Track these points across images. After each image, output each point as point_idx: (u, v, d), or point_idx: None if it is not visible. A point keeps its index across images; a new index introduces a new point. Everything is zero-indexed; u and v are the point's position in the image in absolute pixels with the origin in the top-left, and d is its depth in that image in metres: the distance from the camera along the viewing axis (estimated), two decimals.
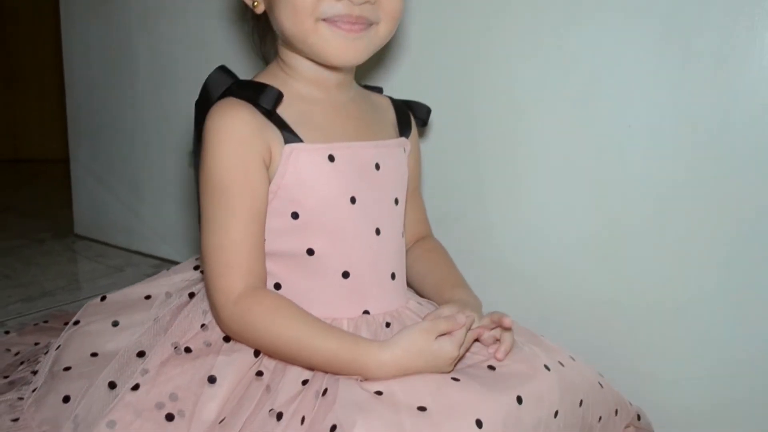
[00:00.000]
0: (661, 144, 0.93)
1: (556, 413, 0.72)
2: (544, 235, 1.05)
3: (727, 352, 0.93)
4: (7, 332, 1.08)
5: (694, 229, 0.93)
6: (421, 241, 0.93)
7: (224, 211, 0.71)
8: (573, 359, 0.81)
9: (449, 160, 1.12)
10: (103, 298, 0.88)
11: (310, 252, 0.74)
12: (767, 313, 0.89)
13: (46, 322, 1.11)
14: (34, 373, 0.86)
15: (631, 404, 0.92)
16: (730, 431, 0.94)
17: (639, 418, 0.92)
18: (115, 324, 0.83)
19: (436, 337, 0.68)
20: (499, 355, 0.72)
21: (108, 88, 1.63)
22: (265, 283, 0.74)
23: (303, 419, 0.64)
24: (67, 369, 0.79)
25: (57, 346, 0.83)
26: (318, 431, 0.61)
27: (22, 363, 0.93)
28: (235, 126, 0.71)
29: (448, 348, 0.68)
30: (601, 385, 0.83)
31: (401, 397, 0.64)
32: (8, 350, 1.00)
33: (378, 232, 0.78)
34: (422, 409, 0.63)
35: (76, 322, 0.85)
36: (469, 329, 0.71)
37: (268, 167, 0.73)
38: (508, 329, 0.74)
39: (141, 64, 1.54)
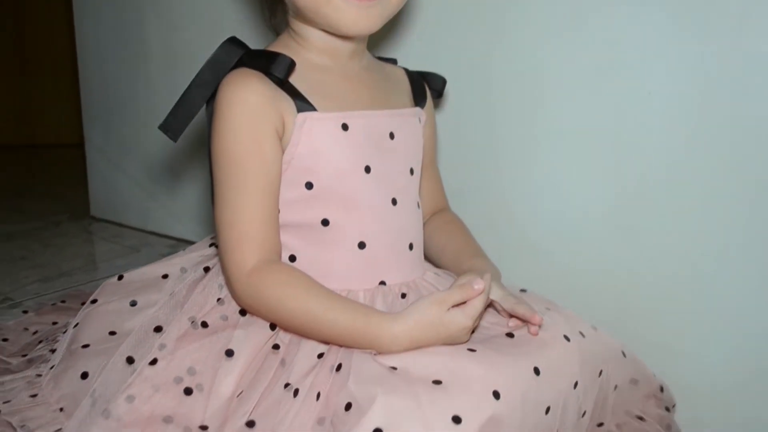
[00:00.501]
0: (681, 110, 0.91)
1: (576, 384, 0.71)
2: (562, 207, 1.04)
3: (752, 322, 0.91)
4: (25, 312, 1.08)
5: (714, 197, 0.91)
6: (439, 213, 0.92)
7: (237, 183, 0.70)
8: (594, 329, 0.80)
9: (465, 132, 1.11)
10: (120, 278, 0.88)
11: (325, 222, 0.73)
12: None
13: (63, 301, 1.11)
14: (53, 351, 0.86)
15: (654, 376, 0.91)
16: (755, 403, 0.93)
17: (662, 389, 0.91)
18: (133, 304, 0.83)
19: (450, 308, 0.67)
20: (534, 330, 0.71)
21: (121, 71, 1.63)
22: (280, 256, 0.73)
23: (318, 395, 0.63)
24: (85, 346, 0.79)
25: (75, 324, 0.83)
26: (333, 408, 0.61)
27: (40, 342, 0.93)
28: (246, 97, 0.70)
29: (460, 319, 0.66)
30: (623, 354, 0.82)
31: (416, 372, 0.63)
32: (26, 329, 1.00)
33: (394, 202, 0.77)
34: (437, 382, 0.62)
35: (94, 301, 0.85)
36: (486, 297, 0.69)
37: (281, 137, 0.72)
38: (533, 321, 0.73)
39: (153, 46, 1.53)
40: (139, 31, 1.56)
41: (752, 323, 0.91)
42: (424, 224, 0.90)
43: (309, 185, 0.73)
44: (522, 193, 1.07)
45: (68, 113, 2.60)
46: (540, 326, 0.72)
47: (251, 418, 0.63)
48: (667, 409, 0.92)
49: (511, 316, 0.74)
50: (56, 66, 2.75)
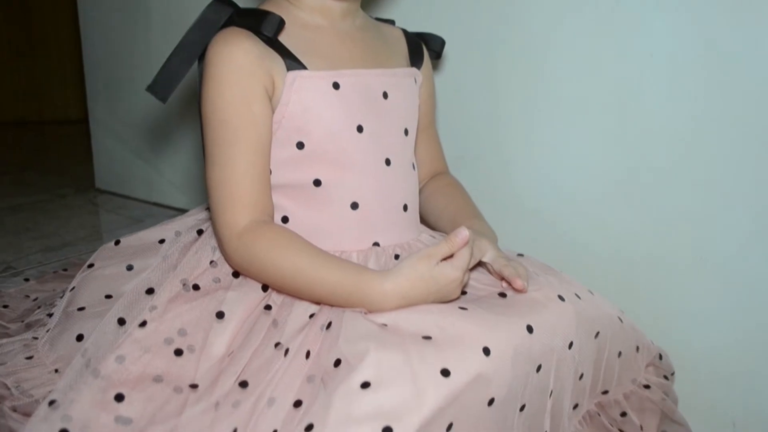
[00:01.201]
0: (684, 73, 0.89)
1: (571, 344, 0.70)
2: (563, 173, 1.03)
3: (753, 289, 0.90)
4: (26, 280, 1.09)
5: (719, 162, 0.90)
6: (437, 176, 0.91)
7: (227, 143, 0.70)
8: (591, 293, 0.79)
9: (466, 98, 1.09)
10: (117, 242, 0.88)
11: (317, 183, 0.73)
12: None
13: (65, 270, 1.12)
14: (50, 315, 0.86)
15: (653, 343, 0.90)
16: (755, 371, 0.92)
17: (660, 357, 0.90)
18: (130, 268, 0.83)
19: (439, 262, 0.66)
20: (519, 285, 0.70)
21: (123, 45, 1.63)
22: (272, 217, 0.72)
23: (308, 353, 0.63)
24: (81, 309, 0.80)
25: (71, 287, 0.83)
26: (322, 365, 0.61)
27: (39, 308, 0.94)
28: (235, 55, 0.69)
29: (449, 272, 0.66)
30: (620, 320, 0.81)
31: (406, 328, 0.63)
32: (27, 296, 1.01)
33: (388, 162, 0.76)
34: (427, 338, 0.61)
35: (91, 265, 0.85)
36: (471, 250, 0.68)
37: (271, 97, 0.71)
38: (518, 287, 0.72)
39: (155, 20, 1.53)
40: (142, 6, 1.56)
41: (753, 289, 0.90)
42: (423, 188, 0.89)
43: (300, 145, 0.72)
44: (523, 159, 1.06)
45: (74, 90, 2.65)
46: (522, 291, 0.71)
47: (243, 377, 0.63)
48: (666, 378, 0.91)
49: (502, 278, 0.73)
50: (61, 45, 2.79)
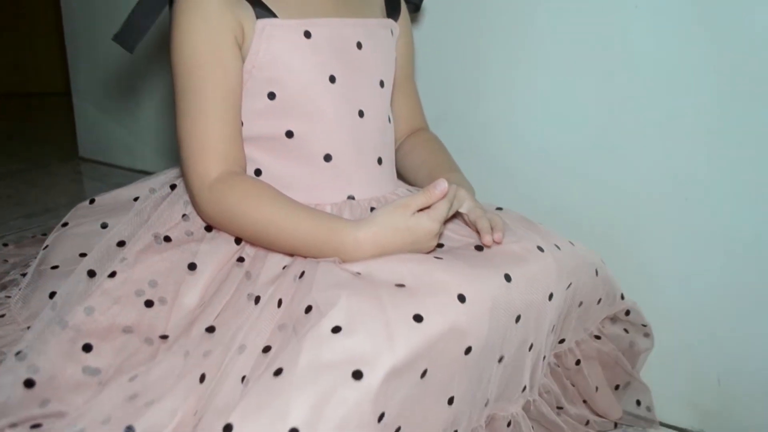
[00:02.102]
0: (669, 25, 0.88)
1: (551, 296, 0.69)
2: (547, 129, 1.01)
3: (737, 246, 0.89)
4: (5, 245, 1.07)
5: (703, 112, 0.88)
6: (417, 132, 0.89)
7: (196, 92, 0.68)
8: (572, 243, 0.78)
9: (447, 54, 1.08)
10: (92, 201, 0.87)
11: (289, 134, 0.71)
12: None
13: (44, 234, 1.10)
14: (24, 275, 0.85)
15: (623, 298, 0.89)
16: (739, 328, 0.92)
17: (628, 313, 0.89)
18: (104, 226, 0.82)
19: (415, 212, 0.65)
20: (498, 238, 0.69)
21: (104, 17, 1.61)
22: (244, 169, 0.71)
23: (280, 302, 0.62)
24: (54, 267, 0.79)
25: (45, 246, 0.82)
26: (294, 312, 0.59)
27: (14, 269, 0.92)
28: (203, 3, 0.67)
29: (425, 222, 0.64)
30: (597, 272, 0.80)
31: (380, 277, 0.62)
32: (6, 261, 0.99)
33: (361, 114, 0.75)
34: (401, 286, 0.60)
35: (65, 224, 0.84)
36: (450, 203, 0.67)
37: (241, 46, 0.69)
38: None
39: None
40: None
41: (739, 242, 0.89)
42: (401, 144, 0.88)
43: (271, 95, 0.71)
44: (506, 117, 1.04)
45: (58, 63, 2.66)
46: (488, 246, 0.69)
47: (211, 324, 0.62)
48: (626, 330, 0.91)
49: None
50: (44, 19, 2.83)
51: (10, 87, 2.87)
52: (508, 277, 0.65)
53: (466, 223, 0.74)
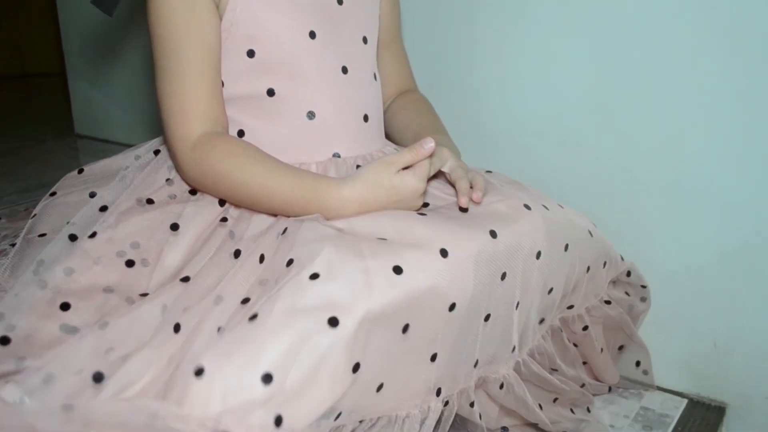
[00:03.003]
0: None
1: (539, 254, 0.69)
2: (541, 95, 1.00)
3: (731, 207, 0.89)
4: None
5: (699, 75, 0.87)
6: (405, 93, 0.88)
7: (174, 52, 0.67)
8: (561, 207, 0.77)
9: (439, 20, 1.06)
10: (81, 171, 0.86)
11: (271, 93, 0.70)
12: None
13: None
14: (13, 245, 0.85)
15: (623, 259, 0.88)
16: (735, 290, 0.91)
17: (629, 274, 0.88)
18: (92, 195, 0.81)
19: (400, 170, 0.64)
20: (477, 197, 0.68)
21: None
22: (226, 129, 0.70)
23: (262, 257, 0.61)
24: (42, 236, 0.78)
25: (33, 215, 0.82)
26: (275, 267, 0.59)
27: (4, 240, 0.92)
28: None
29: (410, 181, 0.64)
30: (591, 233, 0.79)
31: (362, 231, 0.61)
32: None
33: (345, 70, 0.74)
34: (383, 240, 0.60)
35: (53, 193, 0.84)
36: (437, 161, 0.67)
37: (218, 4, 0.68)
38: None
39: None
40: None
41: (735, 207, 0.89)
42: (389, 105, 0.87)
43: (251, 53, 0.70)
44: (499, 83, 1.03)
45: (54, 45, 2.69)
46: (465, 207, 0.68)
47: (186, 273, 0.62)
48: (627, 293, 0.91)
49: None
50: (42, 4, 2.87)
51: (8, 69, 2.91)
52: (493, 234, 0.64)
53: (449, 182, 0.73)
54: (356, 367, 0.55)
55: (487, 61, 1.03)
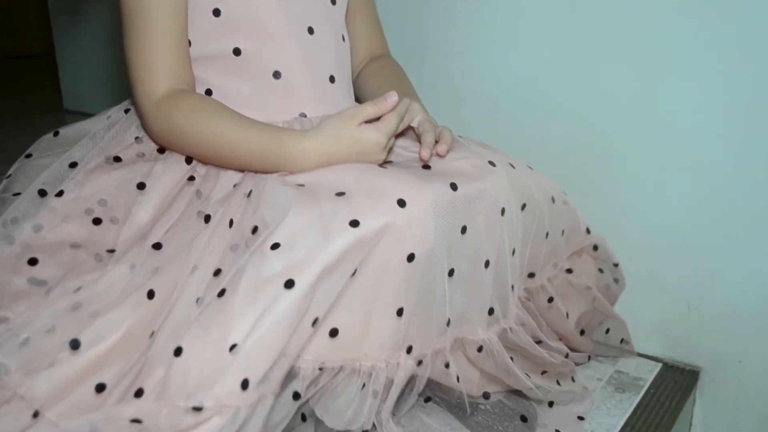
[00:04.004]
0: None
1: (503, 211, 0.69)
2: (520, 59, 1.01)
3: (703, 171, 0.90)
4: None
5: (675, 40, 0.87)
6: (377, 58, 0.88)
7: (141, 12, 0.67)
8: (530, 168, 0.78)
9: None
10: (56, 134, 0.87)
11: (237, 52, 0.71)
12: (749, 128, 0.85)
13: None
14: None
15: (589, 232, 0.88)
16: (708, 254, 0.92)
17: (596, 248, 0.88)
18: (73, 164, 0.81)
19: (363, 123, 0.65)
20: (441, 150, 0.68)
21: None
22: (192, 87, 0.71)
23: (231, 222, 0.62)
24: (16, 194, 0.79)
25: (8, 175, 0.82)
26: (244, 233, 0.60)
27: None
28: None
29: (372, 134, 0.64)
30: (553, 199, 0.79)
31: (323, 186, 0.62)
32: None
33: (311, 31, 0.74)
34: (341, 194, 0.61)
35: (29, 155, 0.84)
36: (401, 116, 0.67)
37: None
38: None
39: None
40: None
41: (707, 171, 0.89)
42: (361, 70, 0.87)
43: (216, 12, 0.70)
44: (478, 47, 1.03)
45: (44, 26, 2.69)
46: (425, 160, 0.69)
47: (159, 241, 0.62)
48: (601, 270, 0.90)
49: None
50: None
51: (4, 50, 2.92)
52: (454, 186, 0.64)
53: (417, 137, 0.73)
54: (315, 321, 0.57)
55: (465, 29, 1.04)
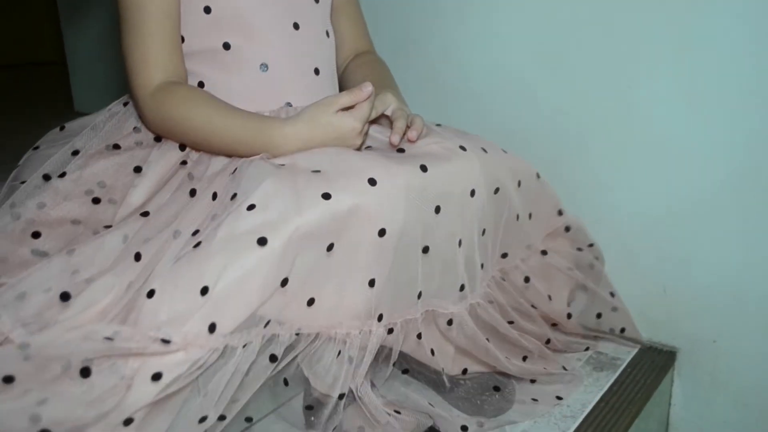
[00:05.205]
0: None
1: (473, 192, 0.74)
2: (500, 52, 1.05)
3: (682, 155, 0.93)
4: None
5: (649, 29, 0.91)
6: (361, 54, 0.93)
7: (138, 10, 0.73)
8: (504, 151, 0.82)
9: None
10: (62, 128, 0.92)
11: (226, 46, 0.76)
12: (723, 116, 0.89)
13: None
14: None
15: (561, 214, 0.92)
16: (685, 238, 0.96)
17: (567, 229, 0.93)
18: (75, 152, 0.87)
19: (339, 111, 0.70)
20: (411, 136, 0.73)
21: None
22: (184, 80, 0.76)
23: (215, 195, 0.68)
24: (23, 182, 0.84)
25: (18, 165, 0.88)
26: (224, 202, 0.65)
27: None
28: None
29: (347, 120, 0.69)
30: (520, 183, 0.83)
31: (301, 165, 0.67)
32: None
33: (296, 26, 0.79)
34: (317, 171, 0.66)
35: (36, 147, 0.90)
36: (372, 104, 0.72)
37: None
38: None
39: None
40: None
41: (683, 154, 0.93)
42: (346, 65, 0.92)
43: (207, 9, 0.75)
44: (465, 40, 1.08)
45: (53, 34, 2.74)
46: (395, 145, 0.73)
47: (147, 209, 0.68)
48: (579, 249, 0.94)
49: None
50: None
51: (10, 58, 2.99)
52: (424, 168, 0.69)
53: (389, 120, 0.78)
54: (284, 282, 0.61)
55: (448, 25, 1.08)
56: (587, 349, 0.98)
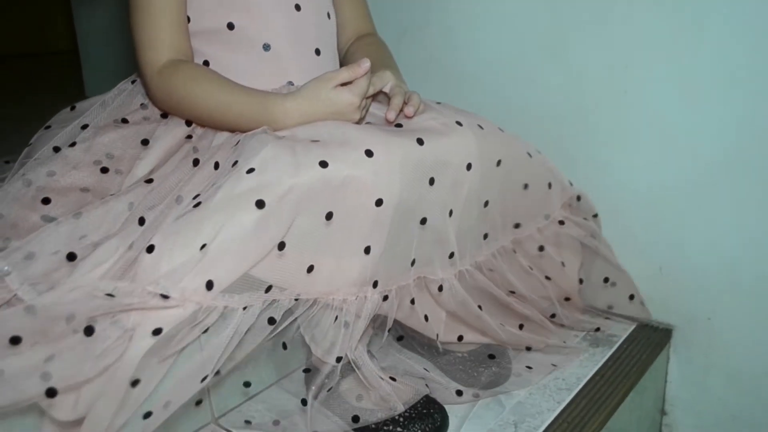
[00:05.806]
0: None
1: (469, 166, 0.76)
2: (505, 37, 1.06)
3: (678, 134, 0.94)
4: (6, 162, 1.17)
5: (642, 12, 0.92)
6: (363, 36, 0.95)
7: None
8: (502, 130, 0.84)
9: None
10: (73, 108, 0.95)
11: (230, 26, 0.79)
12: (716, 96, 0.90)
13: None
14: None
15: (571, 185, 0.94)
16: (680, 216, 0.97)
17: (579, 199, 0.95)
18: (84, 126, 0.90)
19: (338, 86, 0.72)
20: (408, 111, 0.76)
21: None
22: (190, 58, 0.79)
23: (217, 164, 0.70)
24: (35, 159, 0.88)
25: (30, 143, 0.91)
26: (225, 170, 0.68)
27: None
28: None
29: (346, 96, 0.72)
30: (529, 155, 0.86)
31: (301, 136, 0.70)
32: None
33: (298, 8, 0.82)
34: (315, 141, 0.68)
35: (48, 127, 0.93)
36: (371, 81, 0.74)
37: None
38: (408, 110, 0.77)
39: None
40: None
41: (678, 134, 0.94)
42: (348, 47, 0.94)
43: None
44: (469, 27, 1.09)
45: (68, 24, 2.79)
46: (391, 121, 0.76)
47: (154, 180, 0.71)
48: (585, 219, 0.97)
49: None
50: None
51: (22, 47, 3.03)
52: (420, 141, 0.71)
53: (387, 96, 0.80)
54: (282, 245, 0.63)
55: (449, 9, 1.10)
56: (598, 329, 1.00)
